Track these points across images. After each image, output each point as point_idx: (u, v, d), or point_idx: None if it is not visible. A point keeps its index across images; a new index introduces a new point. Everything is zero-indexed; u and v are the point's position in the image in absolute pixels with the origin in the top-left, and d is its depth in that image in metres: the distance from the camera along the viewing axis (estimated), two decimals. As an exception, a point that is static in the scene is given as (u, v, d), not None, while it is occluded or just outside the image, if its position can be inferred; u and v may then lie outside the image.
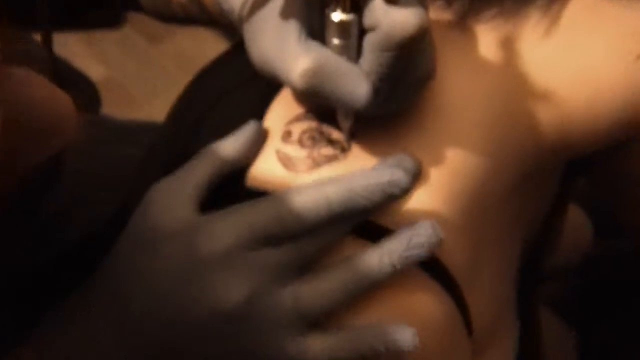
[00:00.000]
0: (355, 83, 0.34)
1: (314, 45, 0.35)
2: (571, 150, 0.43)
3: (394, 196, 0.36)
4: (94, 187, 0.59)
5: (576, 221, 0.85)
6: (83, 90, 0.89)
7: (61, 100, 0.28)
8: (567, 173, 0.53)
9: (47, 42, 0.41)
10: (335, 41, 0.35)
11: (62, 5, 0.61)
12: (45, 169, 0.31)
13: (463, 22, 0.40)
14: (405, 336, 0.35)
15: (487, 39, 0.40)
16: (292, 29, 0.35)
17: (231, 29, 0.45)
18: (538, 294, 0.58)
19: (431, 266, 0.38)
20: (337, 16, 0.34)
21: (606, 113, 0.40)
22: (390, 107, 0.37)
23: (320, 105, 0.40)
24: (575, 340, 0.78)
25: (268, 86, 0.41)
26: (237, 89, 0.46)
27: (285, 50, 0.35)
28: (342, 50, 0.35)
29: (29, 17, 0.44)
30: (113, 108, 1.07)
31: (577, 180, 0.58)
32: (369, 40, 0.34)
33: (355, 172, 0.37)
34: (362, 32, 0.34)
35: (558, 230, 0.58)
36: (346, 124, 0.39)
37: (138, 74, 1.73)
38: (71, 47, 1.72)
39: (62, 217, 0.55)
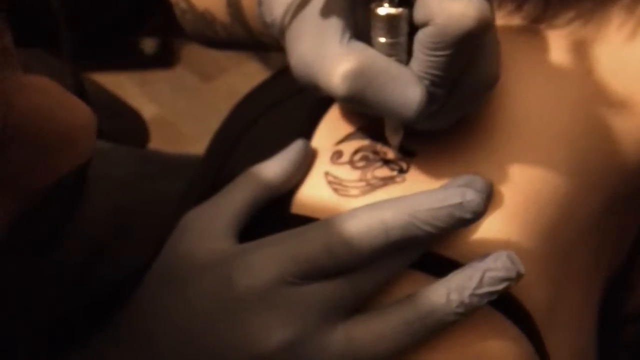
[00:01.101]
0: (406, 87, 0.30)
1: (359, 46, 0.31)
2: None
3: (465, 221, 0.31)
4: (139, 222, 0.57)
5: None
6: (132, 124, 0.88)
7: (78, 110, 0.25)
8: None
9: (75, 71, 0.39)
10: (382, 40, 0.31)
11: (111, 42, 0.60)
12: (61, 190, 0.28)
13: (535, 27, 0.37)
14: None
15: (563, 43, 0.36)
16: (333, 29, 0.31)
17: (276, 48, 0.42)
18: (619, 341, 0.52)
19: (505, 304, 0.33)
20: (383, 10, 0.30)
21: None
22: (447, 118, 0.33)
23: (373, 121, 0.36)
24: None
25: (312, 103, 0.38)
26: (276, 107, 0.43)
27: (326, 51, 0.31)
28: (390, 50, 0.31)
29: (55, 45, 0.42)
30: (164, 146, 1.06)
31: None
32: (421, 38, 0.29)
33: (418, 192, 0.32)
34: (413, 28, 0.30)
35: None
36: (395, 138, 0.34)
37: (189, 112, 1.75)
38: (125, 87, 1.75)
39: (105, 254, 0.52)
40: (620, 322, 0.53)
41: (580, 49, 0.36)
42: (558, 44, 0.36)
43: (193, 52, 1.80)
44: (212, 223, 0.35)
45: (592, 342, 0.44)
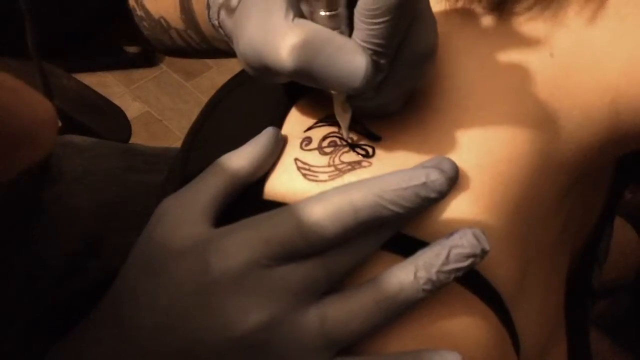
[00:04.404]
0: (352, 57, 0.30)
1: (303, 22, 0.31)
2: (623, 145, 0.39)
3: (430, 201, 0.32)
4: (125, 215, 0.57)
5: (626, 236, 0.81)
6: (115, 121, 0.89)
7: (39, 104, 0.26)
8: (616, 182, 0.50)
9: (41, 72, 0.40)
10: (322, 13, 0.31)
11: (98, 45, 0.61)
12: (21, 185, 0.28)
13: (498, 12, 0.37)
14: None
15: (523, 29, 0.37)
16: (277, 8, 0.31)
17: (229, 54, 0.42)
18: (588, 314, 0.54)
19: (473, 282, 0.34)
20: None
21: None
22: (391, 92, 0.33)
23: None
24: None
25: (279, 88, 0.39)
26: (238, 89, 0.43)
27: (272, 29, 0.31)
28: (332, 23, 0.31)
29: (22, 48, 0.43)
30: (151, 142, 1.07)
31: (624, 191, 0.54)
32: (360, 7, 0.30)
33: (385, 174, 0.33)
34: (352, 2, 0.31)
35: (606, 244, 0.54)
36: (344, 119, 0.35)
37: (174, 108, 1.76)
38: (110, 86, 1.76)
39: (94, 247, 0.53)
40: (590, 296, 0.54)
41: (540, 34, 0.37)
42: (518, 29, 0.37)
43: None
44: (187, 210, 0.35)
45: (560, 317, 0.45)
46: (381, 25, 0.30)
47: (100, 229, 0.54)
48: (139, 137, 0.94)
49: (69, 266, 0.51)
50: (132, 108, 1.70)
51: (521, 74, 0.37)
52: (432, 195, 0.32)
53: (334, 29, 0.31)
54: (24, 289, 0.46)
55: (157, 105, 1.76)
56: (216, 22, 0.37)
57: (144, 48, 1.79)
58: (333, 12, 0.31)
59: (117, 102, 0.92)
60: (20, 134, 0.25)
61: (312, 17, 0.32)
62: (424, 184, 0.31)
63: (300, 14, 0.32)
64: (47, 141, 0.26)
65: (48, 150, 0.26)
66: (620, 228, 0.81)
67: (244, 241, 0.33)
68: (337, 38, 0.31)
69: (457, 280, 0.33)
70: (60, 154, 0.65)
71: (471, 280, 0.34)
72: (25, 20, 0.41)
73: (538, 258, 0.39)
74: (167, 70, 1.84)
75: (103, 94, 0.91)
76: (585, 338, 0.52)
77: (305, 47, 0.30)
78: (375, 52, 0.31)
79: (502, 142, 0.36)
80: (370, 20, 0.30)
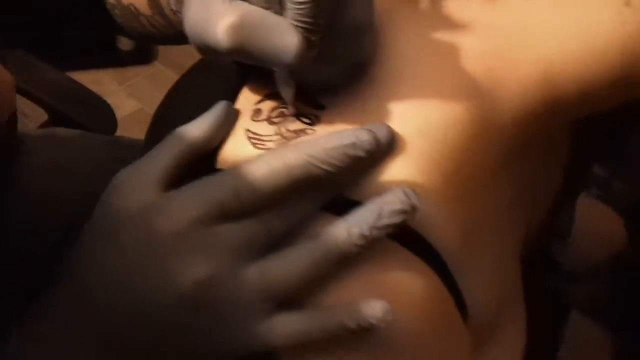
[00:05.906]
0: (284, 35, 0.33)
1: (240, 2, 0.33)
2: (558, 114, 0.41)
3: (359, 159, 0.34)
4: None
5: (607, 219, 0.81)
6: (101, 112, 0.90)
7: None
8: (574, 156, 0.51)
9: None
10: None
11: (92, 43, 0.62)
12: None
13: None
14: (376, 311, 0.32)
15: (464, 3, 0.39)
16: None
17: None
18: (548, 287, 0.54)
19: (411, 240, 0.36)
20: None
21: (597, 67, 0.38)
22: (331, 68, 0.35)
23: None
24: (613, 346, 0.74)
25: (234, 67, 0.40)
26: (197, 73, 0.45)
27: (210, 11, 0.33)
28: (265, 4, 0.33)
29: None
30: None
31: (591, 168, 0.55)
32: None
33: (319, 137, 0.35)
34: None
35: (568, 218, 0.55)
36: (288, 92, 0.37)
37: (168, 105, 1.76)
38: (104, 84, 1.77)
39: (76, 236, 0.54)
40: (553, 270, 0.55)
41: (480, 8, 0.38)
42: (458, 5, 0.39)
43: (170, 48, 1.82)
44: (141, 178, 0.37)
45: (517, 288, 0.47)
46: (306, 6, 0.32)
47: (85, 220, 0.55)
48: (133, 135, 0.94)
49: (49, 255, 0.52)
50: (125, 105, 1.71)
51: (459, 46, 0.38)
52: (361, 154, 0.34)
53: (267, 9, 0.33)
54: (1, 277, 0.47)
55: (151, 102, 1.77)
56: (174, 7, 0.38)
57: (137, 44, 1.80)
58: None
59: (110, 99, 0.93)
60: None
61: None
62: (353, 144, 0.33)
63: None
64: (5, 102, 0.26)
65: (4, 115, 0.27)
66: (602, 211, 0.81)
67: (186, 202, 0.34)
68: (269, 18, 0.33)
69: (396, 239, 0.34)
70: (45, 145, 0.66)
71: (410, 239, 0.35)
72: None
73: (485, 225, 0.40)
74: (161, 67, 1.85)
75: (97, 92, 0.92)
76: (549, 314, 0.53)
77: (241, 27, 0.32)
78: (305, 30, 0.33)
79: (438, 110, 0.37)
80: (296, 1, 0.32)
